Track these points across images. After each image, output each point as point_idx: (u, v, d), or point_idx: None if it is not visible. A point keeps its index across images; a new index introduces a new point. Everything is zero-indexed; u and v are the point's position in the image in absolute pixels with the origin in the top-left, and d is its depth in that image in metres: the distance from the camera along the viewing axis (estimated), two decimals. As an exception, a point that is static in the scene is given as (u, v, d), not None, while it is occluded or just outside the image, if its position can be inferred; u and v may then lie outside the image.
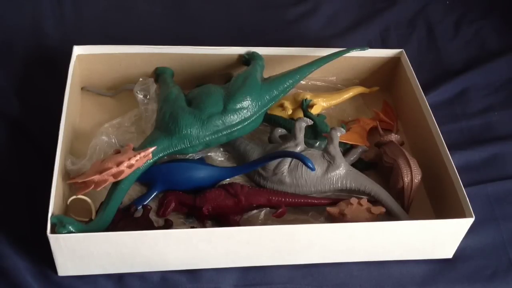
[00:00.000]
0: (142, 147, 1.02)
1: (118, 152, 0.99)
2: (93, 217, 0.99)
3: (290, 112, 1.21)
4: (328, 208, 1.05)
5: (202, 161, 1.10)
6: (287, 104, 1.21)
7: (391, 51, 1.27)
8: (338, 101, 1.26)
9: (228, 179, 1.09)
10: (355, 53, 1.23)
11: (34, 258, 0.97)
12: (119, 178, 0.97)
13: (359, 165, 1.13)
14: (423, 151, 1.15)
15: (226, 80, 1.18)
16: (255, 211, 1.06)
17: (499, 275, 1.06)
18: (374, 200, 1.07)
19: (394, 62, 1.28)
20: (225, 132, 1.06)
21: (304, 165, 1.04)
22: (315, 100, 1.21)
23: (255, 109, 1.09)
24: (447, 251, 1.05)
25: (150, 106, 1.15)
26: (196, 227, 1.02)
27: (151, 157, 1.01)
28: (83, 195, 0.98)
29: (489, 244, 1.10)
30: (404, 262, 1.05)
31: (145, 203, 1.03)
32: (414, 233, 1.00)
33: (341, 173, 1.07)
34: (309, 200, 1.07)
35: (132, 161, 0.97)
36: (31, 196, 1.05)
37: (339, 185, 1.07)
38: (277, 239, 0.97)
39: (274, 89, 1.12)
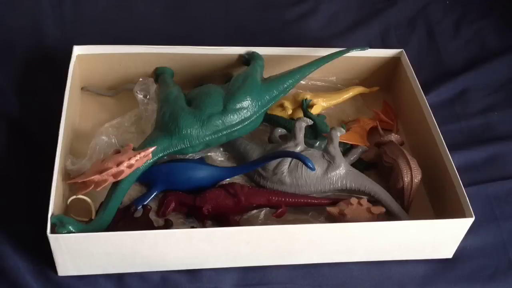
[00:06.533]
0: (142, 147, 1.02)
1: (118, 152, 0.99)
2: (93, 217, 0.99)
3: (290, 112, 1.21)
4: (328, 208, 1.05)
5: (202, 161, 1.10)
6: (287, 104, 1.21)
7: (391, 51, 1.27)
8: (338, 101, 1.26)
9: (228, 179, 1.09)
10: (355, 53, 1.23)
11: (34, 258, 0.97)
12: (119, 178, 0.97)
13: (359, 165, 1.13)
14: (423, 151, 1.15)
15: (226, 80, 1.17)
16: (255, 211, 1.06)
17: (499, 275, 1.06)
18: (374, 200, 1.07)
19: (394, 62, 1.28)
20: (225, 132, 1.06)
21: (304, 165, 1.04)
22: (315, 100, 1.21)
23: (255, 109, 1.08)
24: (447, 251, 1.05)
25: (150, 106, 1.15)
26: (196, 227, 1.02)
27: (151, 157, 1.01)
28: (83, 195, 0.98)
29: (489, 244, 1.10)
30: (404, 262, 1.05)
31: (145, 203, 1.03)
32: (414, 233, 1.00)
33: (341, 173, 1.07)
34: (309, 200, 1.07)
35: (132, 161, 0.97)
36: (31, 196, 1.05)
37: (339, 185, 1.07)
38: (277, 239, 0.97)
39: (274, 89, 1.12)
